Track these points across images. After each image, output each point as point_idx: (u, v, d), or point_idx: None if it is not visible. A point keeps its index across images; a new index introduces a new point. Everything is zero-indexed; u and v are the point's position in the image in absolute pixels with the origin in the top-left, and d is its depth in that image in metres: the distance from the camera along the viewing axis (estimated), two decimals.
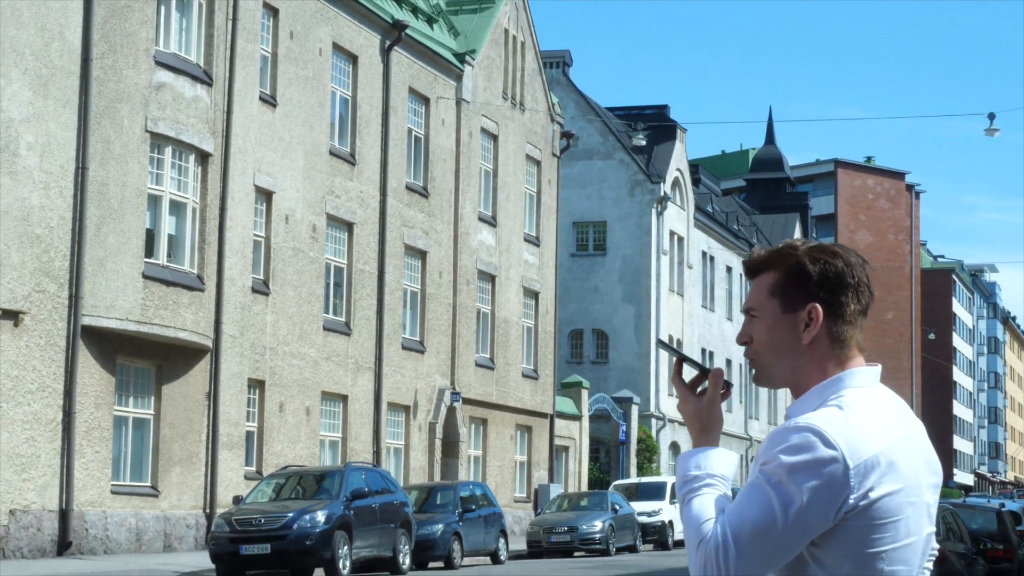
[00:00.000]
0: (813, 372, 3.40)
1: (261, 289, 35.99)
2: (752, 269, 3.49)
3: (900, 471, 3.27)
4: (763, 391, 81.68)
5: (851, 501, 3.21)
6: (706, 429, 3.44)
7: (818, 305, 3.37)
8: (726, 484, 3.37)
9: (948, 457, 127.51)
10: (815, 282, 3.38)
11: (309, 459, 37.15)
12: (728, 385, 3.47)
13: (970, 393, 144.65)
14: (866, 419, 3.27)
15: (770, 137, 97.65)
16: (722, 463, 3.39)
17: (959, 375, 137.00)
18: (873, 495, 3.22)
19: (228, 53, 34.34)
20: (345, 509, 27.81)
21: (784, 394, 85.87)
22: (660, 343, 3.66)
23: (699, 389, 3.49)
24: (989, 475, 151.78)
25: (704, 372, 3.48)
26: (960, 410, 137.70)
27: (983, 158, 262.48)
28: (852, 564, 3.25)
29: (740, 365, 77.57)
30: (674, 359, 3.59)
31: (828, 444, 3.20)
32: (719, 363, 74.40)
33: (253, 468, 35.47)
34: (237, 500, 29.58)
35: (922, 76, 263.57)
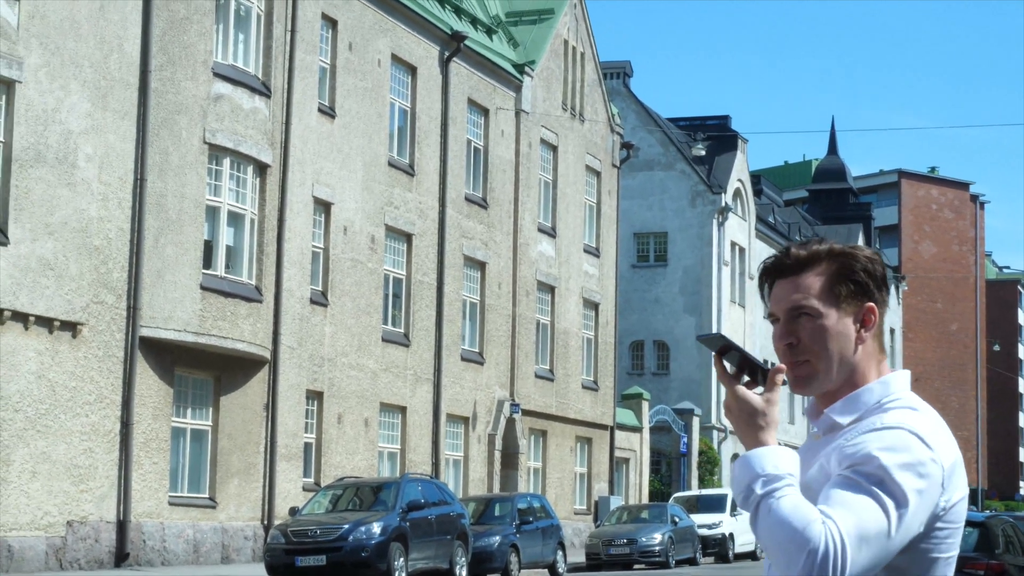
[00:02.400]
0: (857, 375, 3.28)
1: (319, 300, 36.00)
2: (795, 266, 3.32)
3: (964, 477, 3.20)
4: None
5: (940, 504, 3.12)
6: (770, 426, 3.23)
7: (874, 305, 3.28)
8: (798, 484, 3.15)
9: (1014, 469, 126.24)
10: (875, 281, 3.29)
11: (368, 470, 37.12)
12: (783, 383, 3.29)
13: None
14: (938, 422, 3.19)
15: (833, 147, 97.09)
16: (795, 463, 3.18)
17: None
18: (955, 498, 3.15)
19: (286, 64, 34.41)
20: (401, 520, 27.72)
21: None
22: (710, 336, 3.30)
23: (743, 381, 3.28)
24: None
25: (743, 368, 3.27)
26: None
27: None
28: (921, 570, 3.15)
29: None
30: (714, 354, 3.31)
31: (927, 444, 3.10)
32: None
33: (311, 479, 35.46)
34: (293, 512, 29.55)
35: (985, 85, 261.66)
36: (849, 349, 3.26)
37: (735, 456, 66.55)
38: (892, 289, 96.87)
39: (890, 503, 3.04)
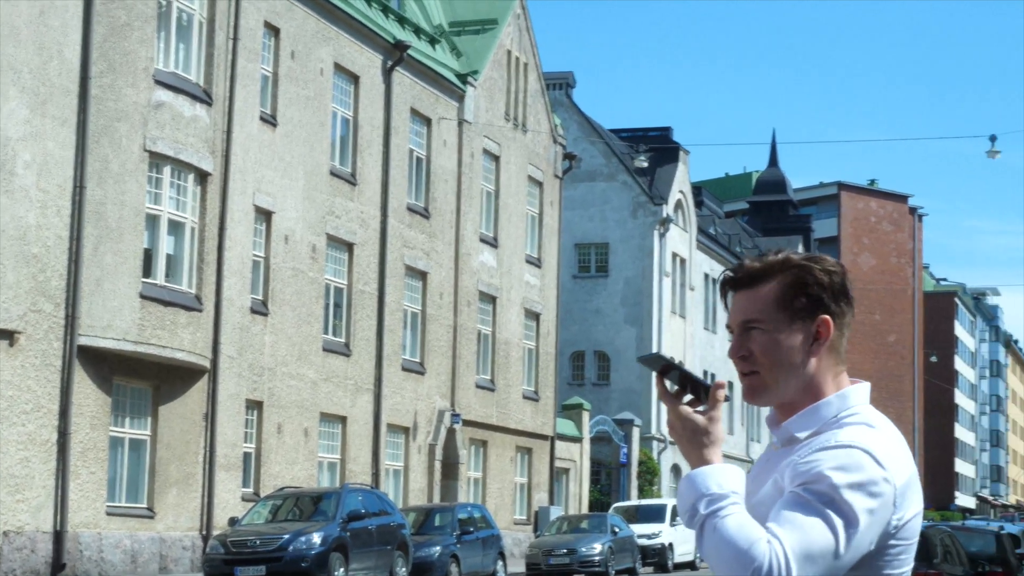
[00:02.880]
0: (813, 387, 3.25)
1: (260, 309, 35.84)
2: (747, 279, 3.30)
3: (919, 493, 3.19)
4: (764, 411, 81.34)
5: (892, 522, 3.10)
6: (714, 444, 3.21)
7: (829, 318, 3.24)
8: (743, 502, 3.14)
9: (950, 480, 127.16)
10: (828, 293, 3.25)
11: (307, 480, 36.97)
12: (726, 399, 3.28)
13: (972, 416, 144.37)
14: (894, 438, 3.17)
15: (773, 159, 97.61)
16: (739, 480, 3.17)
17: (961, 398, 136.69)
18: (907, 516, 3.14)
19: (228, 72, 34.25)
20: (341, 531, 27.64)
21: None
22: (649, 357, 3.29)
23: (685, 400, 3.28)
24: (991, 498, 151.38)
25: (685, 386, 3.26)
26: (962, 433, 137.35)
27: (986, 181, 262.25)
28: None
29: (741, 388, 77.23)
30: (655, 373, 3.30)
31: (879, 464, 3.08)
32: None
33: (250, 490, 35.27)
34: (233, 522, 29.40)
35: (925, 99, 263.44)
36: (801, 362, 3.23)
37: (675, 467, 66.73)
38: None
39: (839, 523, 3.02)
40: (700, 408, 3.26)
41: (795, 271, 3.25)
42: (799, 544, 3.00)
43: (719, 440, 3.22)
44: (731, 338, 3.32)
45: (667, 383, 3.29)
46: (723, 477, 3.14)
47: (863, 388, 3.27)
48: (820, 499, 3.04)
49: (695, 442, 3.22)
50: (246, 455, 35.34)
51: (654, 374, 3.30)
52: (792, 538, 3.00)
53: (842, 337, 3.27)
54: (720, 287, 3.40)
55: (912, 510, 3.14)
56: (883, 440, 3.13)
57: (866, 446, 3.09)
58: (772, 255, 3.30)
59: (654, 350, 64.01)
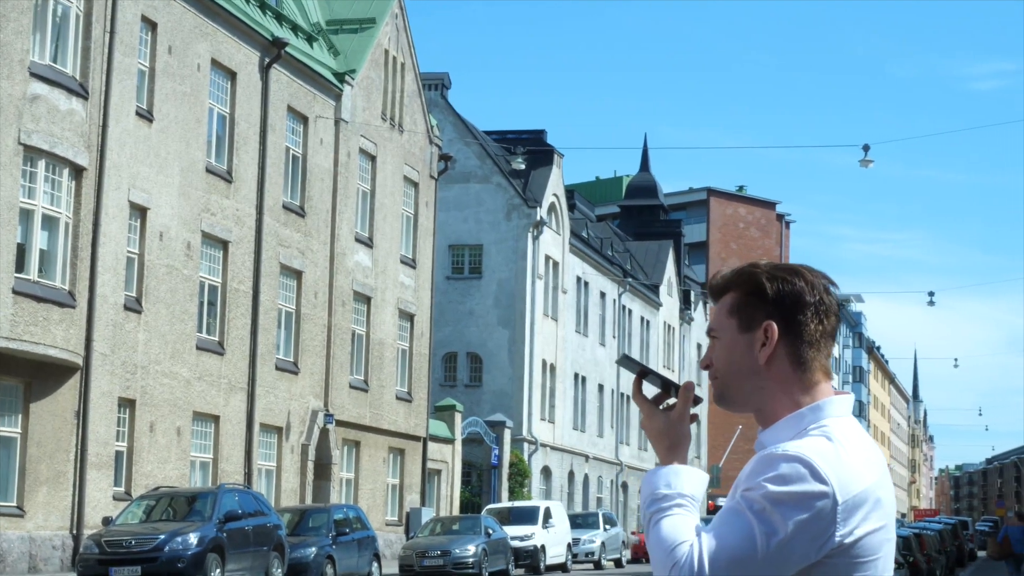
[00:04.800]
0: (777, 396, 3.26)
1: (134, 307, 35.41)
2: (715, 291, 3.36)
3: (884, 507, 3.16)
4: (634, 417, 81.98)
5: (836, 539, 3.07)
6: (675, 447, 3.26)
7: (773, 323, 3.24)
8: (696, 505, 3.20)
9: None
10: (771, 300, 3.25)
11: (179, 480, 36.59)
12: (698, 400, 3.32)
13: None
14: (855, 452, 3.14)
15: (645, 164, 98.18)
16: (693, 483, 3.20)
17: None
18: (858, 532, 3.10)
19: (105, 66, 33.81)
20: (218, 531, 27.42)
21: None
22: (624, 359, 3.38)
23: (662, 406, 3.33)
24: None
25: (667, 388, 3.32)
26: None
27: (854, 191, 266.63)
28: None
29: (612, 390, 77.76)
30: (634, 375, 3.39)
31: (819, 478, 3.06)
32: (591, 388, 74.62)
33: (122, 489, 34.83)
34: (107, 521, 29.03)
35: (794, 107, 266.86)
36: (752, 369, 3.26)
37: (545, 469, 66.94)
38: (706, 306, 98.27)
39: (764, 531, 3.03)
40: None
41: (750, 280, 3.28)
42: (718, 548, 3.03)
43: (681, 442, 3.27)
44: None
45: (646, 384, 3.37)
46: (676, 478, 3.20)
47: (841, 400, 3.26)
48: (750, 506, 3.06)
49: (659, 442, 3.29)
50: (118, 454, 34.89)
51: (634, 377, 3.37)
52: (713, 542, 3.05)
53: (805, 346, 3.25)
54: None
55: (868, 526, 3.11)
56: (836, 454, 3.11)
57: (809, 458, 3.08)
58: (742, 267, 3.34)
59: (526, 352, 64.20)
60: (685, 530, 3.10)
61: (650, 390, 3.38)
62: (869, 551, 3.12)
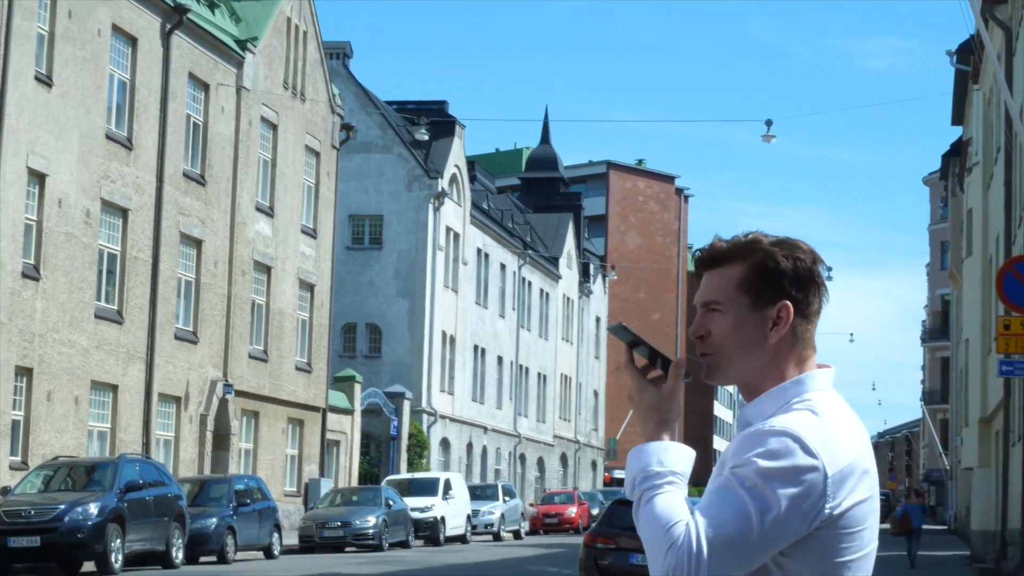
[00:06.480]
0: (771, 372, 3.25)
1: (31, 274, 34.97)
2: (711, 260, 3.30)
3: (870, 478, 3.17)
4: (532, 389, 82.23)
5: (826, 511, 3.08)
6: (665, 422, 3.21)
7: (790, 304, 3.23)
8: (686, 483, 3.17)
9: (708, 456, 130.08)
10: (789, 279, 3.23)
11: (77, 450, 36.21)
12: (686, 376, 3.26)
13: (731, 394, 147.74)
14: (840, 425, 3.15)
15: (545, 137, 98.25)
16: (684, 460, 3.17)
17: None
18: (846, 504, 3.11)
19: (3, 30, 33.29)
20: (119, 502, 27.19)
21: (554, 392, 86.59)
22: (617, 327, 3.27)
23: (651, 375, 3.27)
24: None
25: (655, 360, 3.25)
26: (721, 411, 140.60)
27: (752, 167, 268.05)
28: (818, 573, 3.13)
29: (511, 362, 77.92)
30: (626, 344, 3.29)
31: (808, 452, 3.07)
32: (491, 360, 74.70)
33: (18, 458, 34.42)
34: (5, 491, 28.69)
35: (693, 81, 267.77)
36: (758, 346, 3.24)
37: (444, 441, 66.97)
38: (604, 279, 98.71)
39: (757, 507, 3.03)
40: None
41: (760, 255, 3.24)
42: (716, 526, 3.02)
43: (672, 417, 3.22)
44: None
45: (636, 355, 3.28)
46: (667, 455, 3.16)
47: (824, 374, 3.27)
48: (742, 483, 3.05)
49: (648, 417, 3.22)
50: (15, 423, 34.47)
51: (625, 346, 3.28)
52: (708, 521, 3.03)
53: (807, 323, 3.26)
54: (695, 266, 3.40)
55: (855, 497, 3.12)
56: (821, 427, 3.12)
57: (797, 433, 3.09)
58: (742, 236, 3.30)
59: (426, 323, 64.16)
60: (680, 509, 3.07)
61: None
62: (856, 522, 3.14)
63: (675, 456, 3.16)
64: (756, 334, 3.24)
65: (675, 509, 3.07)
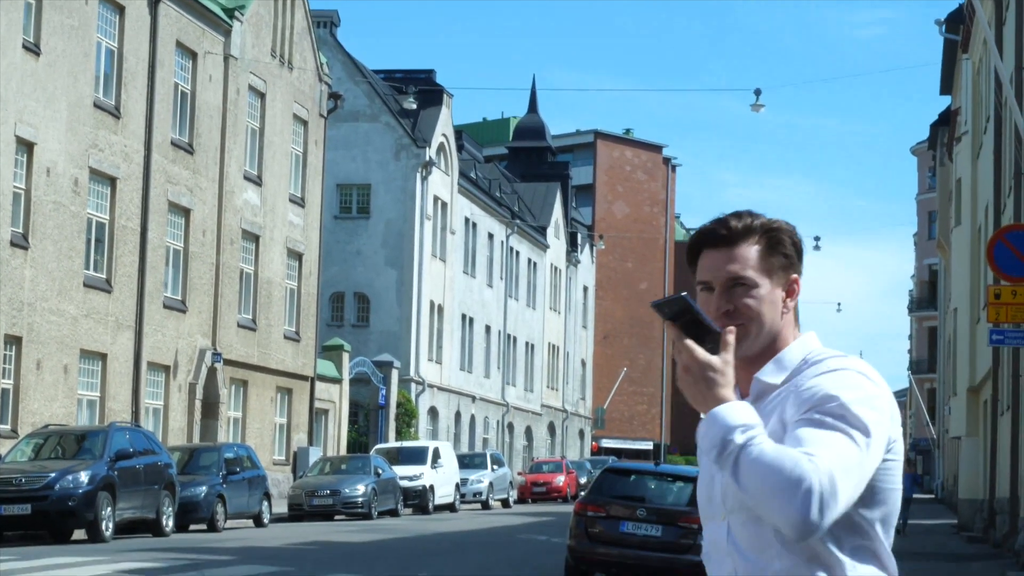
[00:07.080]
0: (779, 340, 3.51)
1: (20, 243, 34.91)
2: (728, 238, 3.48)
3: (899, 414, 3.43)
4: (520, 359, 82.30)
5: (891, 437, 3.34)
6: (729, 384, 3.31)
7: (798, 277, 3.53)
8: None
9: (695, 426, 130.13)
10: (797, 255, 3.53)
11: (66, 418, 36.22)
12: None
13: None
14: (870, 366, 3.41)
15: (533, 106, 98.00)
16: (756, 414, 3.30)
17: None
18: (895, 433, 3.36)
19: None
20: (109, 470, 27.21)
21: (541, 361, 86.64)
22: (678, 298, 3.33)
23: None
24: None
25: (693, 332, 3.33)
26: None
27: (739, 136, 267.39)
28: (874, 502, 3.35)
29: (498, 332, 77.95)
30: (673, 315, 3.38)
31: (874, 382, 3.33)
32: (479, 329, 74.75)
33: (8, 426, 34.43)
34: None
35: (680, 51, 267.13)
36: (777, 316, 3.48)
37: (432, 410, 67.02)
38: (592, 248, 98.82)
39: (857, 434, 3.22)
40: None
41: (772, 233, 3.49)
42: (835, 458, 3.17)
43: (732, 382, 3.32)
44: (703, 293, 3.50)
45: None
46: (747, 411, 3.28)
47: (814, 336, 3.55)
48: (835, 416, 3.24)
49: (711, 382, 3.30)
50: (4, 391, 34.48)
51: (666, 321, 3.38)
52: (826, 453, 3.17)
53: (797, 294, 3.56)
54: (694, 242, 3.55)
55: (897, 428, 3.37)
56: (866, 364, 3.38)
57: (858, 368, 3.36)
58: (747, 216, 3.51)
59: (414, 293, 64.14)
60: (790, 450, 3.19)
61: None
62: (899, 451, 3.39)
63: (750, 411, 3.29)
64: (776, 306, 3.49)
65: (787, 451, 3.18)
